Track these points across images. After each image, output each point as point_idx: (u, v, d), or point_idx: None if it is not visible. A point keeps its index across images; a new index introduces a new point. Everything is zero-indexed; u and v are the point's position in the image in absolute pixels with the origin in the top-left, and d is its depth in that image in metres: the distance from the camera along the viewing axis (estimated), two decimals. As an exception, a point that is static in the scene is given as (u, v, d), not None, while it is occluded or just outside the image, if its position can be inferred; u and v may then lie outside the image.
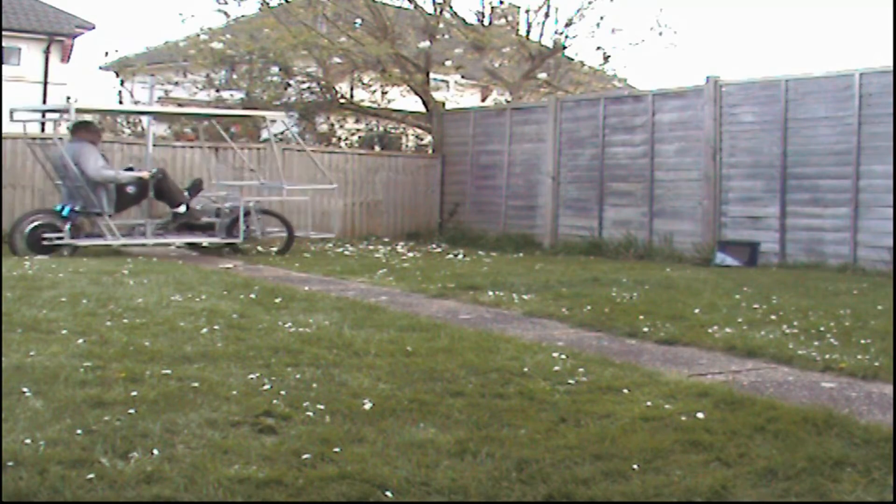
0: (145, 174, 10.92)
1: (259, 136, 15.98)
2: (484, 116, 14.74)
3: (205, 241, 11.39)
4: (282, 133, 16.56)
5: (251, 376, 3.81)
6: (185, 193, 11.32)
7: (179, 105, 17.34)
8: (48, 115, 12.14)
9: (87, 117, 11.43)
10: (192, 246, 11.69)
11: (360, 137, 16.92)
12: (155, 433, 2.94)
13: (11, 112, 11.22)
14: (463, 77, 21.35)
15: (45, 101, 21.09)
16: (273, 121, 12.58)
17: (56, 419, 3.06)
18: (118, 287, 6.84)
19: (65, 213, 10.39)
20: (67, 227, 10.28)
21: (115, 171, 10.78)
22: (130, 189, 10.85)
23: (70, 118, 10.83)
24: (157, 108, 14.05)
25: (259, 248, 11.56)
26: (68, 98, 17.47)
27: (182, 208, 11.09)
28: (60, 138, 11.01)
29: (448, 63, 17.95)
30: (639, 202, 12.02)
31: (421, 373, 3.96)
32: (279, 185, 11.91)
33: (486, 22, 16.98)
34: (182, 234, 11.35)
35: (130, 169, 11.30)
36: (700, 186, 11.30)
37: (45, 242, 10.18)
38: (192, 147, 14.11)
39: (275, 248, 11.54)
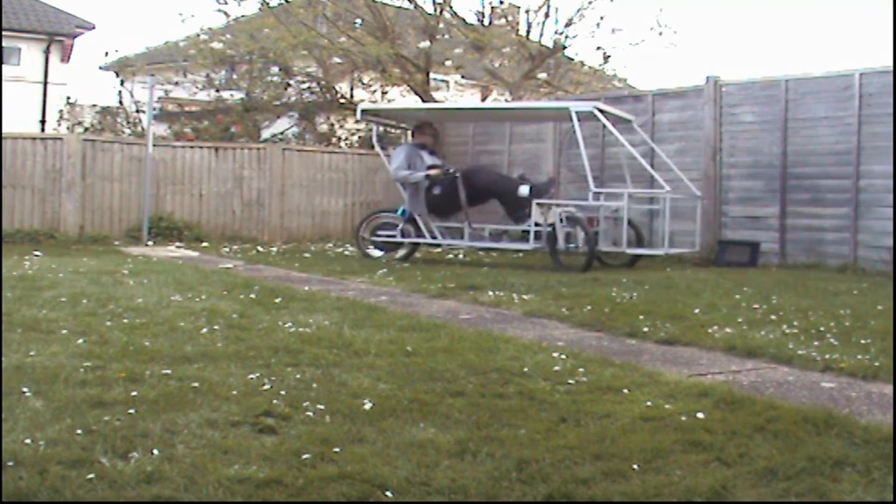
0: (433, 172, 10.47)
1: (259, 136, 15.98)
2: (484, 116, 14.71)
3: (518, 248, 10.53)
4: (281, 133, 16.57)
5: (251, 376, 3.81)
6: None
7: (180, 105, 17.36)
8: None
9: (425, 119, 11.40)
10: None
11: (360, 137, 16.91)
12: (155, 433, 2.94)
13: (362, 112, 11.67)
14: (463, 77, 21.35)
15: (44, 102, 21.09)
16: (586, 112, 10.12)
17: (56, 419, 3.06)
18: (118, 287, 6.84)
19: (398, 212, 10.72)
20: (399, 226, 10.61)
21: (408, 172, 10.53)
22: (436, 191, 10.45)
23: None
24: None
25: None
26: (68, 98, 17.48)
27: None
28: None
29: (448, 63, 17.95)
30: (639, 202, 12.00)
31: (421, 373, 3.96)
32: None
33: (486, 22, 16.99)
34: (495, 240, 10.65)
35: (436, 167, 10.69)
36: (700, 186, 11.29)
37: (376, 239, 10.75)
38: (192, 147, 14.12)
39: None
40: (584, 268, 9.36)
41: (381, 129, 17.04)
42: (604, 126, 10.27)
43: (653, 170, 10.53)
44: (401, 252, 10.62)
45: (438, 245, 10.89)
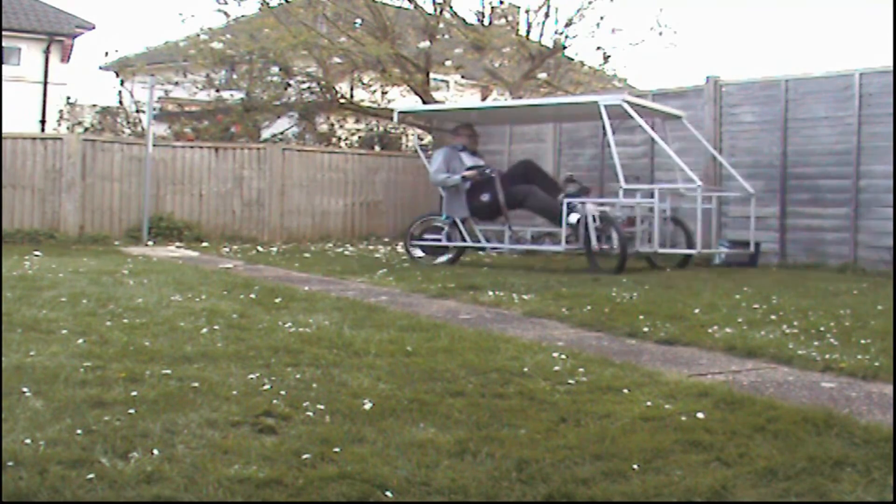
0: (469, 173, 10.18)
1: (259, 136, 15.98)
2: (484, 116, 14.67)
3: (551, 249, 10.28)
4: (281, 133, 16.57)
5: (251, 376, 3.81)
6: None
7: (180, 105, 17.37)
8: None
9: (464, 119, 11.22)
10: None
11: (360, 137, 16.92)
12: (155, 433, 2.94)
13: (399, 113, 11.78)
14: (463, 77, 21.37)
15: (44, 102, 21.11)
16: (613, 106, 9.63)
17: (56, 419, 3.06)
18: (118, 287, 6.85)
19: (443, 216, 10.56)
20: (445, 230, 10.46)
21: (446, 175, 10.31)
22: (484, 198, 10.13)
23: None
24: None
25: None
26: (68, 98, 17.49)
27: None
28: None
29: (448, 63, 17.96)
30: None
31: (421, 373, 3.96)
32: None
33: (486, 22, 16.99)
34: (537, 243, 10.45)
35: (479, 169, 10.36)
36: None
37: (420, 243, 10.63)
38: (192, 147, 14.13)
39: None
40: (616, 269, 9.04)
41: (382, 129, 17.10)
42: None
43: (675, 167, 10.26)
44: (447, 256, 10.43)
45: (482, 248, 10.75)
